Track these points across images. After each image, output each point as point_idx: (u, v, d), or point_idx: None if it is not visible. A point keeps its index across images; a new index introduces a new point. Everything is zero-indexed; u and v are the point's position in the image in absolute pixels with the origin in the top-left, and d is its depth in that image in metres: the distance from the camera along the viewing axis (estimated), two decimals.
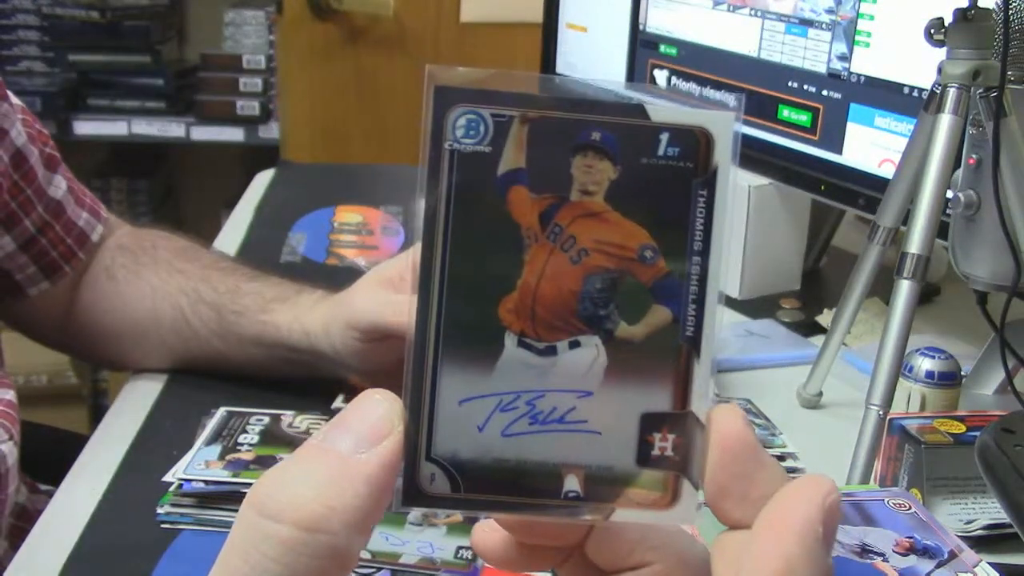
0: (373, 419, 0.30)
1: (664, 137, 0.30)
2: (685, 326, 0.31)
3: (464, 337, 0.30)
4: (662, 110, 0.30)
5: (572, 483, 0.31)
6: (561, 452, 0.31)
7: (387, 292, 0.80)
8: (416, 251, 0.30)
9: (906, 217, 0.79)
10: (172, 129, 2.51)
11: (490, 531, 0.34)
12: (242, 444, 0.77)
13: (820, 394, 0.93)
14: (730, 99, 0.30)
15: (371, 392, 0.31)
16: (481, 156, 0.30)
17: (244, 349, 0.87)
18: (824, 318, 1.08)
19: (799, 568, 0.28)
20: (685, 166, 0.30)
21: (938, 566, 0.54)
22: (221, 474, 0.72)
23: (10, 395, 0.84)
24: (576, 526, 0.32)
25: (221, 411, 0.82)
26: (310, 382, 0.87)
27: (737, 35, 1.11)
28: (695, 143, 0.30)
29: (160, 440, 0.81)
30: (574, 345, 0.31)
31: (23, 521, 0.88)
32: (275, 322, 0.85)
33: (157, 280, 0.92)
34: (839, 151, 1.01)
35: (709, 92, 0.30)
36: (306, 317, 0.84)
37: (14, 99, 0.91)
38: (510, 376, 0.30)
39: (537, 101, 0.30)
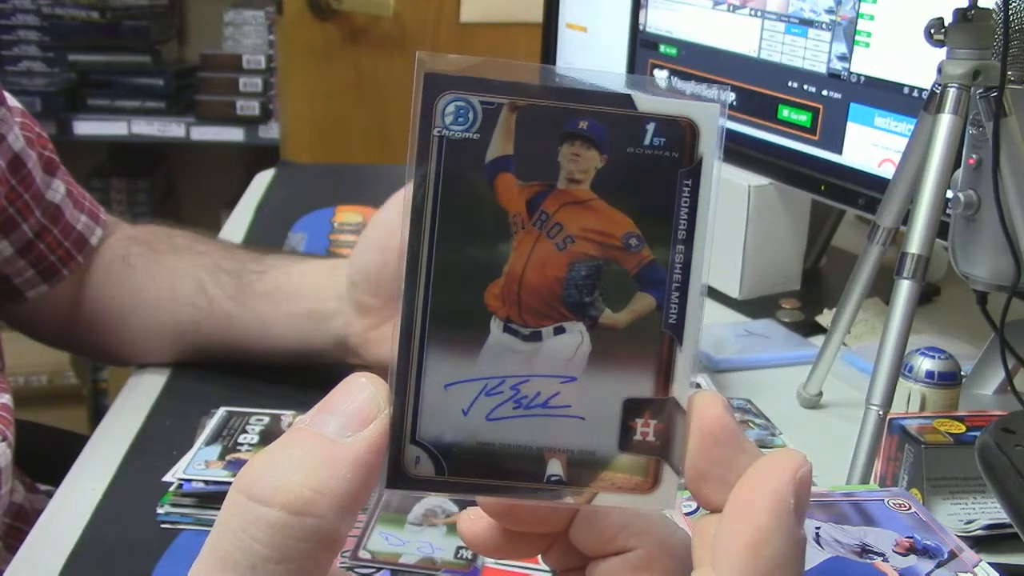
0: (359, 402, 0.30)
1: (650, 127, 0.31)
2: (668, 314, 0.31)
3: (450, 322, 0.31)
4: (649, 100, 0.31)
5: (555, 467, 0.31)
6: (544, 436, 0.31)
7: (387, 239, 0.82)
8: (403, 236, 0.30)
9: (906, 217, 0.79)
10: (172, 129, 2.51)
11: (476, 518, 0.34)
12: (242, 444, 0.77)
13: (820, 394, 0.93)
14: (714, 91, 0.30)
15: (357, 375, 0.31)
16: (469, 143, 0.30)
17: (254, 307, 0.89)
18: (824, 318, 1.08)
19: (771, 538, 0.28)
20: (671, 156, 0.31)
21: (938, 566, 0.54)
22: (221, 474, 0.72)
23: (6, 398, 0.84)
24: (559, 511, 0.33)
25: (221, 411, 0.82)
26: (310, 380, 0.86)
27: (737, 35, 1.11)
28: (681, 133, 0.31)
29: (160, 440, 0.81)
30: (559, 331, 0.31)
31: (19, 521, 0.88)
32: (292, 276, 0.88)
33: (178, 262, 0.92)
34: (839, 151, 1.01)
35: (699, 88, 0.30)
36: (322, 278, 0.87)
37: (12, 102, 0.90)
38: (495, 361, 0.31)
39: (526, 89, 0.30)
